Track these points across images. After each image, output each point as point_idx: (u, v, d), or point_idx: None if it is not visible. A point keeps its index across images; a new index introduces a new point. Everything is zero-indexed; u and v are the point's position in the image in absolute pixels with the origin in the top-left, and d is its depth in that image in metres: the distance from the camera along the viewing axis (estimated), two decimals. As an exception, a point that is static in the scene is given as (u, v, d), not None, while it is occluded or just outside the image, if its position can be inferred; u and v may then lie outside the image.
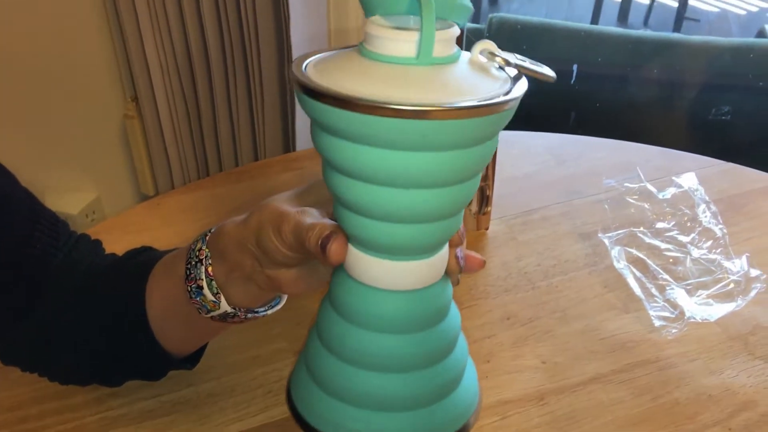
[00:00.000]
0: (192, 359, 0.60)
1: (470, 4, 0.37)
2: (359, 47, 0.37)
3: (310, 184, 0.47)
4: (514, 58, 0.36)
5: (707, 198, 0.90)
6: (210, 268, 0.47)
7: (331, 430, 0.43)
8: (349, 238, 0.40)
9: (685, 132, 1.64)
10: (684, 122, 1.63)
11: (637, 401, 0.67)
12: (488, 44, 0.37)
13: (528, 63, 0.36)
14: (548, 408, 0.66)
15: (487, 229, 0.87)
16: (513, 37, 1.56)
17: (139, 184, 1.43)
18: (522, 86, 0.36)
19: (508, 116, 0.36)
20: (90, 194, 1.50)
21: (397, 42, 0.35)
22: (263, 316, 0.51)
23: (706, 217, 0.87)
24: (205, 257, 0.47)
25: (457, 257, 0.42)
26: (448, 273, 0.43)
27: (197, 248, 0.48)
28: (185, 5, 1.10)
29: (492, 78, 0.36)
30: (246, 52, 1.11)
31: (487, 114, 0.34)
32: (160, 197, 0.98)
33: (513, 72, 0.37)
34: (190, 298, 0.49)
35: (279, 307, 0.52)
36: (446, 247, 0.42)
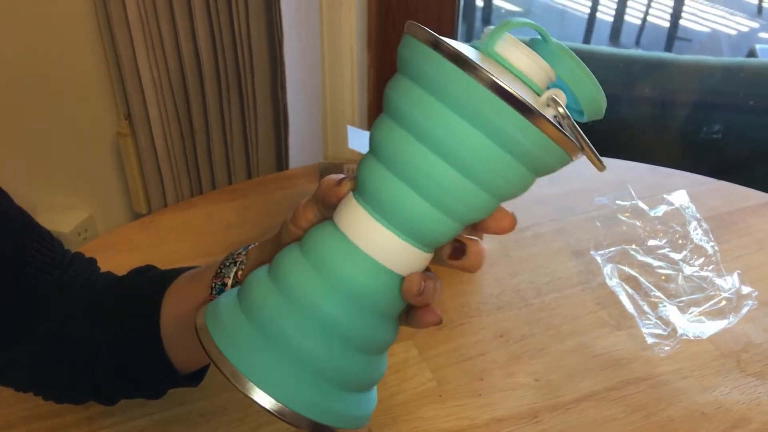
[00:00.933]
0: (196, 377, 0.59)
1: (600, 112, 0.39)
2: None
3: None
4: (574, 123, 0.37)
5: (698, 215, 0.90)
6: (240, 272, 0.49)
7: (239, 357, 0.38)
8: (361, 193, 0.40)
9: (676, 150, 1.65)
10: (675, 140, 1.64)
11: (630, 418, 0.67)
12: (560, 94, 0.37)
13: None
14: (542, 426, 0.66)
15: (480, 246, 0.87)
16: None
17: (131, 202, 1.42)
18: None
19: (567, 163, 0.37)
20: (82, 212, 1.49)
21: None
22: None
23: (697, 234, 0.87)
24: (241, 261, 0.49)
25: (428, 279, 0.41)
26: (406, 289, 0.41)
27: (236, 252, 0.50)
28: (179, 24, 1.10)
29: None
30: (239, 70, 1.12)
31: (571, 152, 0.36)
32: (153, 215, 0.98)
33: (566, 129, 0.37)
34: (211, 293, 0.49)
35: None
36: (424, 258, 0.41)
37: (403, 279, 0.40)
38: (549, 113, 0.36)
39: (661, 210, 0.91)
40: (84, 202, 1.49)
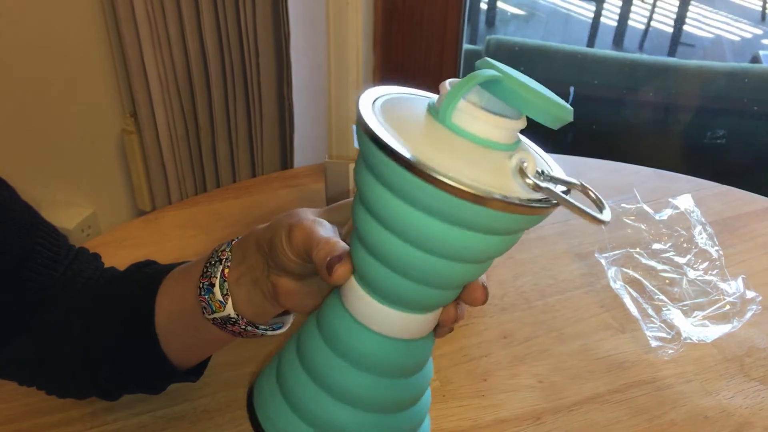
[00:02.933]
0: (195, 372, 0.59)
1: (570, 116, 0.37)
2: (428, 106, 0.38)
3: (339, 205, 0.48)
4: (552, 185, 0.36)
5: (703, 220, 0.90)
6: (227, 270, 0.48)
7: None
8: (355, 272, 0.41)
9: (680, 155, 1.65)
10: (679, 145, 1.64)
11: (633, 421, 0.67)
12: (528, 160, 0.36)
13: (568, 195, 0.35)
14: (545, 427, 0.66)
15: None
16: (510, 58, 1.57)
17: (135, 199, 1.42)
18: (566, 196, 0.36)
19: (545, 218, 0.37)
20: (86, 209, 1.49)
21: (460, 113, 0.36)
22: (262, 334, 0.51)
23: (702, 238, 0.87)
24: (226, 259, 0.49)
25: (457, 312, 0.43)
26: (438, 325, 0.44)
27: (221, 249, 0.49)
28: (186, 21, 1.10)
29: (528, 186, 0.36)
30: (246, 68, 1.12)
31: (535, 213, 0.35)
32: (157, 212, 0.98)
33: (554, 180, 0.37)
34: (199, 294, 0.49)
35: (281, 331, 0.52)
36: (434, 316, 0.43)
37: (419, 338, 0.42)
38: (519, 179, 0.35)
39: (666, 214, 0.91)
40: (88, 198, 1.49)
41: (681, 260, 0.85)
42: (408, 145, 0.34)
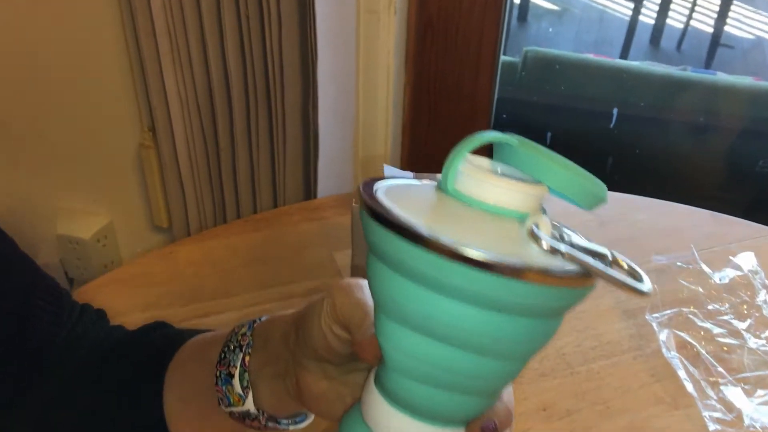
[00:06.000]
0: None
1: (602, 200, 0.32)
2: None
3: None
4: (575, 250, 0.31)
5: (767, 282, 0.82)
6: (248, 358, 0.44)
7: None
8: (376, 380, 0.36)
9: (730, 182, 1.56)
10: (728, 173, 1.55)
11: None
12: (542, 223, 0.31)
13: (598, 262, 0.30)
14: None
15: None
16: (549, 73, 1.49)
17: (152, 215, 1.38)
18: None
19: (587, 293, 0.31)
20: (103, 219, 1.46)
21: (479, 183, 0.32)
22: (284, 430, 0.46)
23: (766, 303, 0.79)
24: (247, 344, 0.44)
25: None
26: None
27: (241, 333, 0.45)
28: (208, 37, 1.04)
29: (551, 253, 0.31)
30: (269, 88, 1.06)
31: (577, 284, 0.30)
32: (173, 246, 0.92)
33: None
34: (216, 384, 0.45)
35: (303, 425, 0.48)
36: None
37: None
38: (535, 247, 0.30)
39: (726, 275, 0.83)
40: (105, 209, 1.45)
41: (741, 325, 0.77)
42: (418, 219, 0.29)
